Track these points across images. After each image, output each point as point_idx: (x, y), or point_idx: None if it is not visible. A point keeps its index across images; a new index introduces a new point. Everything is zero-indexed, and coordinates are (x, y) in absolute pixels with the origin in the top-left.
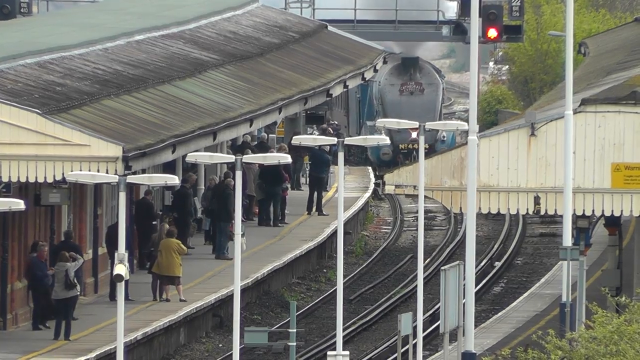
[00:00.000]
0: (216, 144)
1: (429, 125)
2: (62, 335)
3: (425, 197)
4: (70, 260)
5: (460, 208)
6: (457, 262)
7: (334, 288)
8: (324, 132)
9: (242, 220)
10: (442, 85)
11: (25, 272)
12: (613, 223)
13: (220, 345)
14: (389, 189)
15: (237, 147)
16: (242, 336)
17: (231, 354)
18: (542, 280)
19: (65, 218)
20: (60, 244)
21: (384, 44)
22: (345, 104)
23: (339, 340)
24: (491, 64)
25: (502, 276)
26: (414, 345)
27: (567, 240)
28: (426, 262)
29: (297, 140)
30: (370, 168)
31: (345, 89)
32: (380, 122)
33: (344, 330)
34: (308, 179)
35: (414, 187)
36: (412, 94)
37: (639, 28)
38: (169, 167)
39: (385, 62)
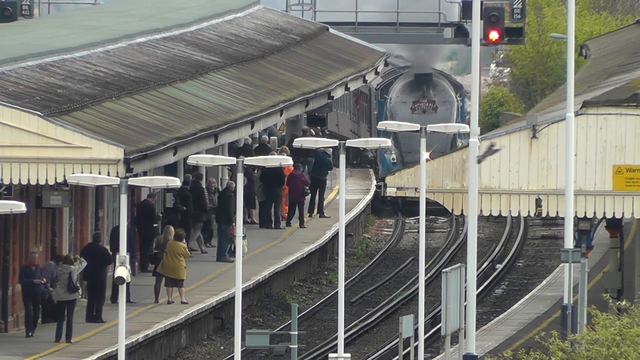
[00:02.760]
0: (218, 146)
1: (430, 127)
2: (63, 337)
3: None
4: (74, 263)
5: (462, 210)
6: (459, 264)
7: (335, 290)
8: (304, 134)
9: (250, 222)
10: (457, 102)
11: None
12: (614, 225)
13: (222, 347)
14: (391, 191)
15: (238, 150)
16: (243, 338)
17: (232, 356)
18: (544, 282)
19: (67, 220)
20: (88, 245)
21: (387, 47)
22: (368, 119)
23: (341, 342)
24: (492, 66)
25: (504, 278)
26: (416, 348)
27: (569, 242)
28: (427, 264)
29: (298, 142)
30: (371, 170)
31: (366, 104)
32: (382, 124)
33: (345, 332)
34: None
35: (415, 189)
36: (424, 112)
37: None
38: (170, 170)
39: (386, 65)
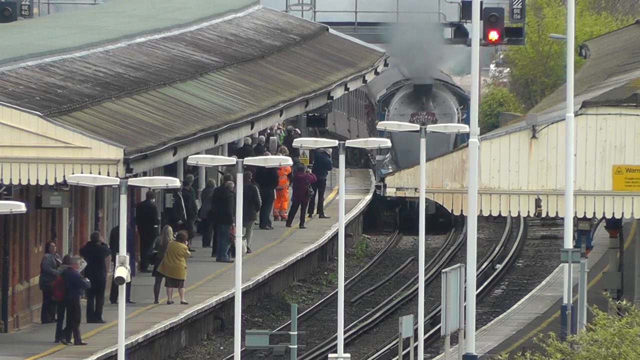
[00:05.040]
0: (217, 147)
1: (430, 127)
2: (63, 337)
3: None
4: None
5: (462, 210)
6: (459, 264)
7: (335, 290)
8: (289, 134)
9: (256, 223)
10: (458, 114)
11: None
12: (614, 225)
13: (222, 347)
14: (390, 191)
15: (238, 150)
16: (243, 339)
17: (232, 356)
18: (543, 282)
19: (67, 220)
20: (87, 244)
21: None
22: (374, 131)
23: (340, 342)
24: (492, 66)
25: (503, 279)
26: (415, 348)
27: (569, 242)
28: (427, 264)
29: (298, 142)
30: (371, 170)
31: (371, 117)
32: (382, 124)
33: (345, 332)
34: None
35: (415, 189)
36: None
37: None
38: (170, 170)
39: (386, 65)
